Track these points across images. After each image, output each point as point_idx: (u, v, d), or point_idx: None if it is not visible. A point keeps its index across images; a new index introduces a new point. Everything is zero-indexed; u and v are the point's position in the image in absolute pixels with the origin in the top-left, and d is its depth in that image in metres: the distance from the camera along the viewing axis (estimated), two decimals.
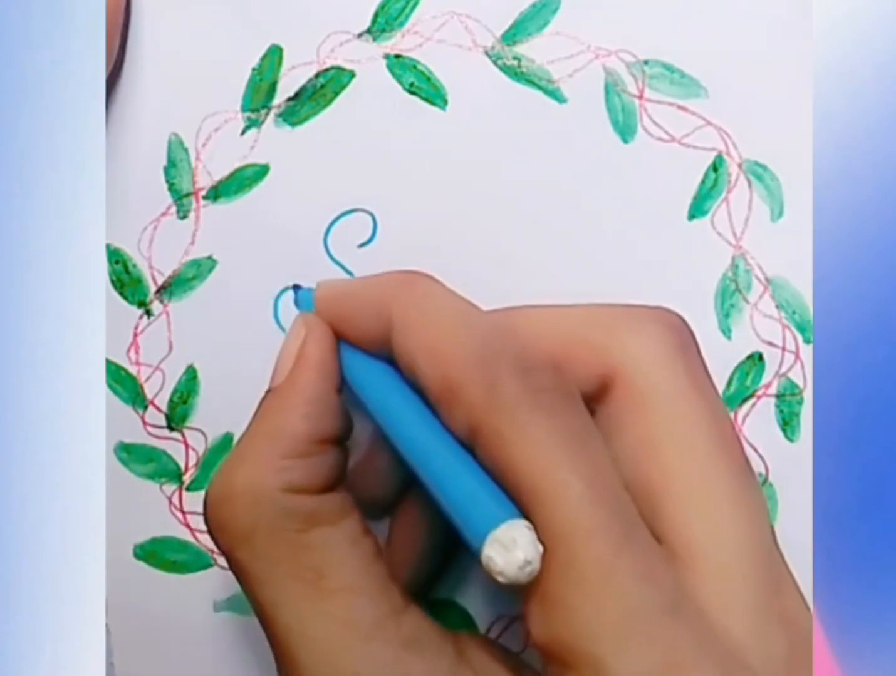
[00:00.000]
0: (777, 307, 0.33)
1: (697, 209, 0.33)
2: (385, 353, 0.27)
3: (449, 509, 0.25)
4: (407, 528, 0.31)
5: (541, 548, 0.23)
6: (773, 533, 0.25)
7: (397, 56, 0.33)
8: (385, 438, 0.28)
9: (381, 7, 0.33)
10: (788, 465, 0.33)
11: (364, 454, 0.32)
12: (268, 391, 0.28)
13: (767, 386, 0.33)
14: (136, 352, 0.34)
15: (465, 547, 0.24)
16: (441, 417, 0.26)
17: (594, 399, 0.26)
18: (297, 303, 0.31)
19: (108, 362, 0.33)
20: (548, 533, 0.23)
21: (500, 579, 0.23)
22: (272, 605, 0.25)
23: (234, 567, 0.26)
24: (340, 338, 0.28)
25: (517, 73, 0.33)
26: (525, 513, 0.23)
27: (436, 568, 0.32)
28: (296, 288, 0.32)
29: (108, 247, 0.33)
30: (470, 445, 0.25)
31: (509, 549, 0.23)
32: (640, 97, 0.33)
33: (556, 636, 0.23)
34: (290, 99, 0.33)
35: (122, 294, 0.33)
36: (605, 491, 0.23)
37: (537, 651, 0.24)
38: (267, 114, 0.33)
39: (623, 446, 0.26)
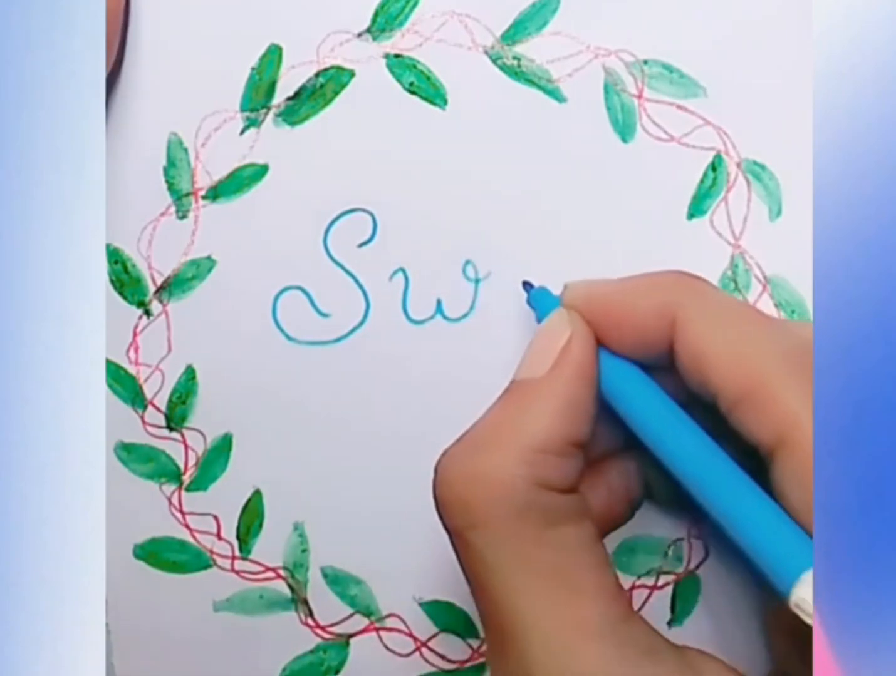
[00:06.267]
0: (776, 306, 0.33)
1: (696, 208, 0.33)
2: (649, 358, 0.27)
3: (749, 543, 0.24)
4: (593, 489, 0.30)
5: None
6: None
7: (397, 55, 0.33)
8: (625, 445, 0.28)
9: (381, 7, 0.33)
10: None
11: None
12: (515, 381, 0.27)
13: None
14: (136, 352, 0.34)
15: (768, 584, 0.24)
16: (738, 421, 0.25)
17: None
18: (530, 301, 0.31)
19: (108, 362, 0.33)
20: None
21: (810, 620, 0.22)
22: (504, 592, 0.25)
23: (463, 547, 0.26)
24: (599, 343, 0.28)
25: (517, 72, 0.33)
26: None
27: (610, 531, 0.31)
28: (527, 285, 0.31)
29: (107, 246, 0.33)
30: (769, 452, 0.25)
31: None
32: (640, 97, 0.33)
33: None
34: (289, 98, 0.33)
35: (121, 294, 0.33)
36: None
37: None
38: (266, 113, 0.33)
39: None
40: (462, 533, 0.26)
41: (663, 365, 0.27)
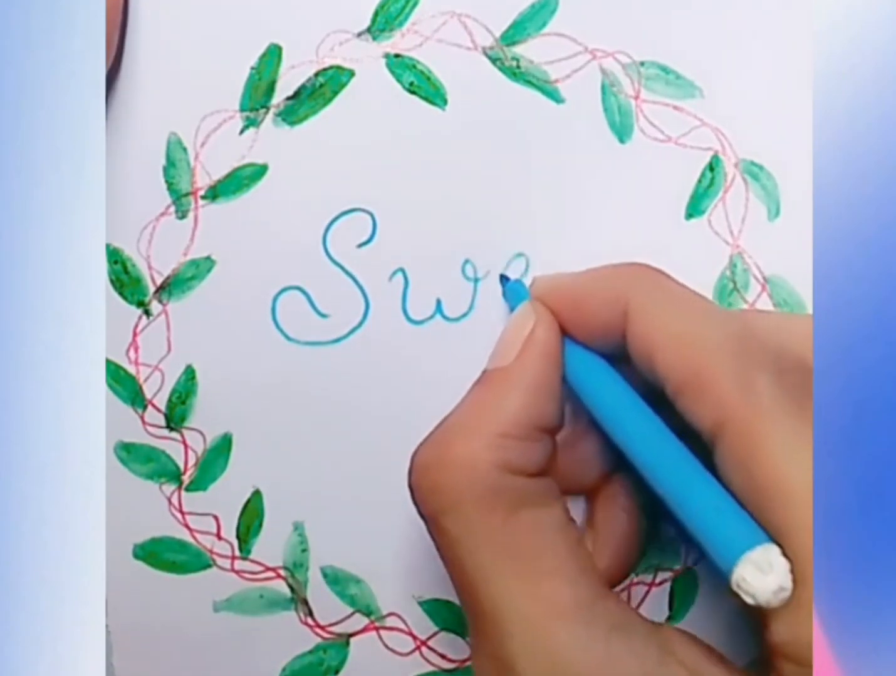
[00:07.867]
0: (775, 306, 0.33)
1: (694, 208, 0.34)
2: (608, 346, 0.28)
3: (694, 524, 0.25)
4: (608, 514, 0.31)
5: (791, 576, 0.23)
6: None
7: (397, 55, 0.33)
8: (590, 425, 0.28)
9: (381, 6, 0.33)
10: None
11: (566, 438, 0.31)
12: (485, 371, 0.28)
13: None
14: (136, 352, 0.34)
15: (711, 563, 0.24)
16: (682, 407, 0.26)
17: None
18: (505, 294, 0.32)
19: (108, 362, 0.33)
20: (788, 537, 0.23)
21: (750, 601, 0.23)
22: (478, 575, 0.26)
23: (437, 531, 0.27)
24: (565, 333, 0.29)
25: (516, 73, 0.33)
26: (762, 511, 0.24)
27: (637, 554, 0.32)
28: (504, 278, 0.32)
29: (107, 246, 0.33)
30: (711, 438, 0.25)
31: (764, 573, 0.23)
32: (637, 98, 0.33)
33: (804, 637, 0.23)
34: (288, 98, 0.33)
35: (121, 294, 0.33)
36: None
37: (778, 656, 0.24)
38: (266, 113, 0.33)
39: None
40: (434, 518, 0.26)
41: (625, 356, 0.28)
